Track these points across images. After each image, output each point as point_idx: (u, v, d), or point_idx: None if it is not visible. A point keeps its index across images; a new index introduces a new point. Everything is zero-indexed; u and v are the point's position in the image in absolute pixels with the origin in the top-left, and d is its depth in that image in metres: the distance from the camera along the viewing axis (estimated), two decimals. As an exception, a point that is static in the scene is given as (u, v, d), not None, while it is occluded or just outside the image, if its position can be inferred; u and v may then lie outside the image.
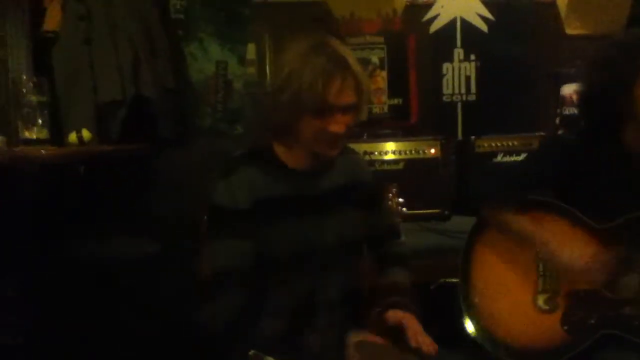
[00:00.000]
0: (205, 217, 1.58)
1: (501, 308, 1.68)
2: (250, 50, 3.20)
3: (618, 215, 1.57)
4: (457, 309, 1.75)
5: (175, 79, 2.76)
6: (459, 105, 3.26)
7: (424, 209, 2.68)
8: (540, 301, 1.65)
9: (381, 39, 3.20)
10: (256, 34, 3.20)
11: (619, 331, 1.52)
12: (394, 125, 3.15)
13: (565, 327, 1.59)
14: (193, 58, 3.09)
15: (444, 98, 3.27)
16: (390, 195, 2.49)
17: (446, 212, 2.70)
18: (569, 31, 3.34)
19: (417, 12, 3.24)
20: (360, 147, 2.67)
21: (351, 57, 1.43)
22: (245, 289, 1.44)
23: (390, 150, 2.71)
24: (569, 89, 3.17)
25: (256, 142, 1.59)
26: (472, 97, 3.27)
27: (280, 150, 1.53)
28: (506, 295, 1.69)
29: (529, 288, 1.66)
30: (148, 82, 2.56)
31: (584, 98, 1.68)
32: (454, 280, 1.84)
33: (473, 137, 2.83)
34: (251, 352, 1.24)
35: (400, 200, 2.50)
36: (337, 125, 1.41)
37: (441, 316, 1.65)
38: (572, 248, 1.59)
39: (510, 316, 1.66)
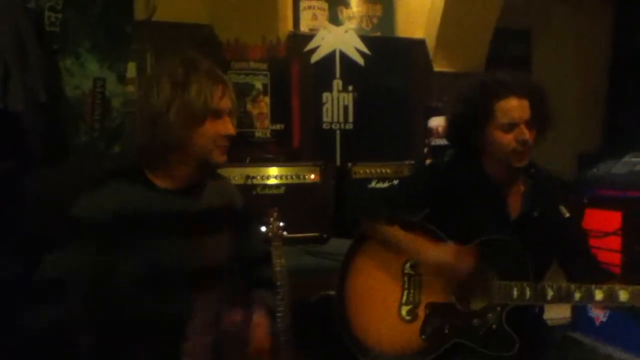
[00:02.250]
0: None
1: (371, 318, 1.81)
2: (131, 69, 3.13)
3: (477, 236, 1.73)
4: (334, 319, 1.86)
5: (49, 95, 2.62)
6: (338, 133, 3.42)
7: (303, 232, 2.76)
8: (404, 312, 1.79)
9: (265, 66, 3.28)
10: (137, 53, 3.13)
11: (467, 340, 1.69)
12: (276, 150, 3.23)
13: (423, 336, 1.74)
14: (69, 73, 2.95)
15: (324, 125, 3.41)
16: (271, 219, 2.57)
17: (324, 235, 2.81)
18: (437, 68, 3.66)
19: (299, 41, 3.38)
20: (243, 172, 2.71)
21: (221, 72, 1.54)
22: (70, 303, 1.40)
23: (272, 174, 2.77)
24: (436, 122, 3.46)
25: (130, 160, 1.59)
26: (350, 126, 3.45)
27: (149, 169, 1.53)
28: (375, 307, 1.82)
29: (395, 300, 1.80)
30: (18, 96, 2.41)
31: (450, 129, 1.86)
32: (332, 292, 1.94)
33: (350, 164, 2.98)
34: None
35: (281, 224, 2.58)
36: (229, 127, 1.51)
37: (321, 326, 1.75)
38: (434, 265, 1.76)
39: (378, 326, 1.80)
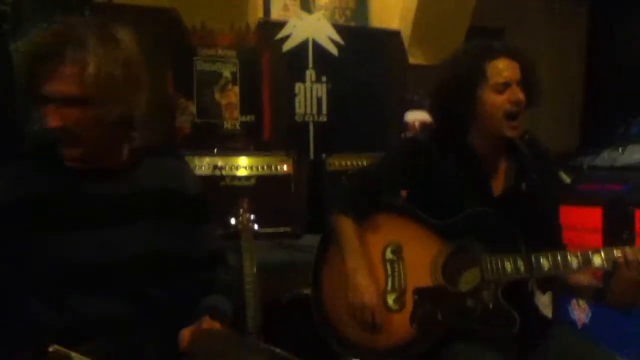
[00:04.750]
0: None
1: (348, 306, 1.65)
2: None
3: (459, 212, 1.63)
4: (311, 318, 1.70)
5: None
6: (311, 125, 3.27)
7: (275, 227, 2.59)
8: (390, 301, 1.64)
9: (234, 53, 3.11)
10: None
11: (464, 323, 1.56)
12: (246, 142, 3.06)
13: (414, 325, 1.60)
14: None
15: (297, 117, 3.26)
16: (241, 210, 2.40)
17: (298, 230, 2.65)
18: (412, 60, 3.55)
19: (270, 29, 3.22)
20: (211, 161, 2.53)
21: (90, 38, 1.19)
22: None
23: (242, 165, 2.61)
24: (412, 116, 3.34)
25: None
26: (324, 118, 3.30)
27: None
28: None
29: (379, 289, 1.65)
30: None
31: (437, 98, 1.73)
32: (305, 291, 1.77)
33: (324, 155, 2.84)
34: (51, 348, 1.02)
35: (251, 216, 2.42)
36: (52, 118, 1.19)
37: (296, 328, 1.56)
38: (417, 247, 1.64)
39: None
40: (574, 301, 3.08)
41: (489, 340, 1.52)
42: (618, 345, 2.68)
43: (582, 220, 2.99)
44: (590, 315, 2.98)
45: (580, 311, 3.04)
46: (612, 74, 4.04)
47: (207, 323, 1.32)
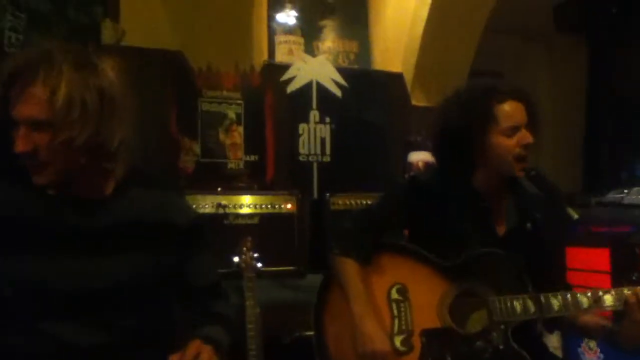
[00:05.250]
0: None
1: (354, 352, 1.58)
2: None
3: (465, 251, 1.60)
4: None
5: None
6: (315, 165, 3.27)
7: (279, 266, 2.56)
8: (397, 343, 1.59)
9: (238, 95, 3.15)
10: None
11: None
12: (250, 181, 3.06)
13: None
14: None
15: (300, 157, 3.26)
16: (244, 249, 2.38)
17: (301, 269, 2.61)
18: (415, 102, 3.58)
19: (275, 71, 3.27)
20: (214, 199, 2.52)
21: (65, 62, 1.16)
22: None
23: (245, 203, 2.59)
24: (416, 157, 3.34)
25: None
26: (327, 158, 3.30)
27: None
28: None
29: (385, 331, 1.59)
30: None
31: (439, 142, 1.72)
32: (308, 333, 1.72)
33: (328, 194, 2.83)
34: None
35: (255, 254, 2.39)
36: (20, 142, 1.15)
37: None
38: (423, 288, 1.60)
39: None
40: (584, 344, 3.01)
41: None
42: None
43: (590, 262, 2.95)
44: (602, 358, 2.90)
45: (591, 354, 2.96)
46: (613, 112, 4.07)
47: (197, 346, 1.25)
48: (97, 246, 1.27)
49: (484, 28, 3.62)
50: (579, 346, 3.01)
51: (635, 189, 3.44)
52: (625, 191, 3.21)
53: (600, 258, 2.95)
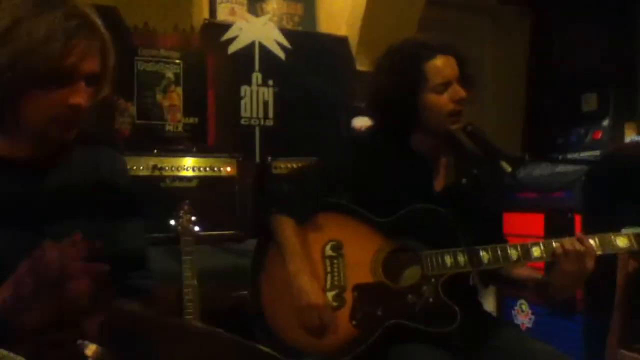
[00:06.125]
0: None
1: (290, 311, 1.59)
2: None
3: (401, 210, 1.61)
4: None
5: None
6: (257, 129, 3.20)
7: (217, 230, 2.50)
8: (330, 298, 1.59)
9: (177, 54, 3.02)
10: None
11: (404, 319, 1.52)
12: (189, 145, 2.96)
13: (354, 322, 1.56)
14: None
15: (242, 121, 3.18)
16: (181, 212, 2.31)
17: (242, 234, 2.56)
18: (360, 67, 3.54)
19: (215, 31, 3.15)
20: (150, 161, 2.43)
21: (98, 21, 1.15)
22: None
23: (183, 165, 2.50)
24: (360, 122, 3.33)
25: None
26: (270, 122, 3.24)
27: None
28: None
29: (319, 286, 1.60)
30: None
31: (375, 102, 1.70)
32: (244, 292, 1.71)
33: (270, 158, 2.78)
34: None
35: (193, 218, 2.32)
36: (79, 97, 1.12)
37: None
38: (357, 244, 1.61)
39: None
40: (517, 306, 3.12)
41: (435, 340, 1.49)
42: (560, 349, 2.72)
43: (524, 227, 3.04)
44: (533, 319, 3.02)
45: (523, 315, 3.07)
46: (551, 83, 4.16)
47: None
48: (44, 213, 1.18)
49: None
50: (513, 309, 3.13)
51: (570, 155, 3.56)
52: (560, 157, 3.32)
53: (534, 223, 3.05)
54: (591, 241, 1.48)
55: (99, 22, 1.15)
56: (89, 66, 1.13)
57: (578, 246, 1.46)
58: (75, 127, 1.18)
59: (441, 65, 1.58)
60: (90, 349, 0.77)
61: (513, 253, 1.51)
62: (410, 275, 1.58)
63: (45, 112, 1.11)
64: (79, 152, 1.27)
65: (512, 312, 3.12)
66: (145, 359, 0.88)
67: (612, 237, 1.50)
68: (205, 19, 3.18)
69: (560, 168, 3.04)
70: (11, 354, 0.77)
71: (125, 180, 1.34)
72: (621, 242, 1.50)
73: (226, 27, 3.17)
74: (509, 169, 1.55)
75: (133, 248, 1.33)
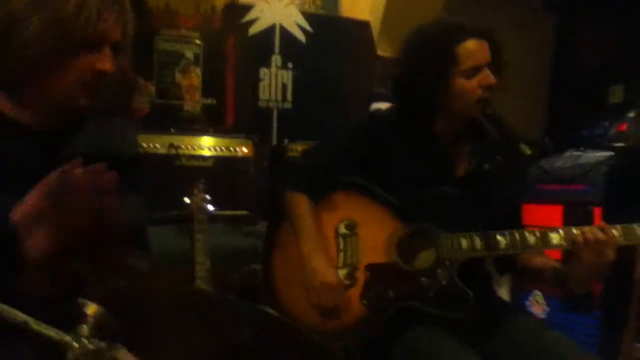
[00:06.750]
0: None
1: (302, 288, 1.57)
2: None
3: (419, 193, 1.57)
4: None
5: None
6: (275, 111, 3.19)
7: (232, 210, 2.51)
8: (341, 276, 1.57)
9: (197, 34, 3.02)
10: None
11: (415, 302, 1.50)
12: (207, 125, 2.97)
13: (364, 301, 1.53)
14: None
15: (260, 103, 3.17)
16: (195, 190, 2.32)
17: (256, 215, 2.57)
18: (381, 52, 3.51)
19: (237, 12, 3.14)
20: (166, 139, 2.44)
21: None
22: None
23: (199, 145, 2.51)
24: (378, 107, 3.29)
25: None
26: (288, 105, 3.22)
27: (4, 101, 1.17)
28: None
29: (332, 265, 1.58)
30: None
31: (401, 83, 1.66)
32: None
33: (286, 140, 2.77)
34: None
35: (207, 197, 2.33)
36: (107, 63, 1.14)
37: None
38: (372, 224, 1.58)
39: None
40: (531, 297, 3.08)
41: (448, 324, 1.46)
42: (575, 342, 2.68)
43: (543, 219, 3.00)
44: (547, 311, 2.98)
45: (537, 307, 3.03)
46: (577, 77, 4.09)
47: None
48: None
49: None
50: (527, 299, 3.09)
51: (593, 148, 3.48)
52: (582, 149, 3.25)
53: (553, 215, 3.00)
54: (614, 231, 1.42)
55: None
56: (115, 34, 1.16)
57: (600, 235, 1.40)
58: (96, 95, 1.19)
59: (473, 49, 1.52)
60: (91, 308, 0.76)
61: (531, 239, 1.46)
62: (425, 257, 1.54)
63: (74, 78, 1.13)
64: (93, 122, 1.27)
65: (526, 302, 3.08)
66: (149, 323, 0.88)
67: (636, 227, 1.44)
68: (227, 0, 3.17)
69: (582, 159, 2.98)
70: (15, 311, 0.77)
71: (132, 152, 1.34)
72: None
73: (247, 8, 3.15)
74: (529, 152, 1.51)
75: (132, 224, 1.28)
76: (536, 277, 1.64)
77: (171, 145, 2.41)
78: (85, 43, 1.11)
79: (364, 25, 3.49)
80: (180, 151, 2.45)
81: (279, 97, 3.21)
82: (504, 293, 3.17)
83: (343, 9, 3.66)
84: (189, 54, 2.99)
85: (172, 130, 2.56)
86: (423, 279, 1.50)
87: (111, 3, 1.14)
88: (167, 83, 2.94)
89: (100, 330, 0.74)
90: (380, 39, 3.53)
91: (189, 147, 2.49)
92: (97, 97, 1.20)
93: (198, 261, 2.08)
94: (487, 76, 1.52)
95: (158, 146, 2.42)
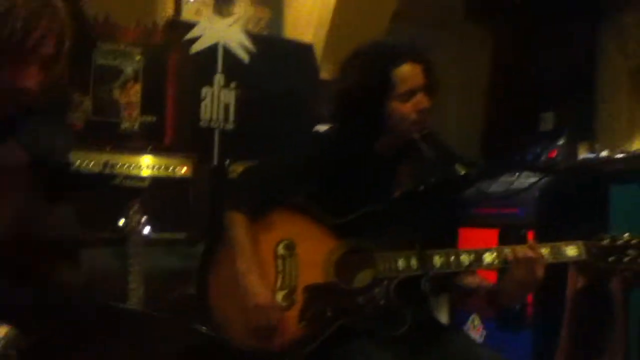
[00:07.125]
0: None
1: (240, 311, 1.54)
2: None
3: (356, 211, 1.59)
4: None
5: None
6: (217, 132, 3.14)
7: (170, 232, 2.44)
8: (279, 298, 1.56)
9: (138, 50, 2.95)
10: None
11: (353, 321, 1.50)
12: (145, 144, 2.88)
13: (303, 323, 1.53)
14: None
15: (202, 123, 3.11)
16: (131, 212, 2.24)
17: (195, 236, 2.50)
18: (323, 75, 3.53)
19: (179, 29, 3.09)
20: (100, 158, 2.35)
21: (60, 3, 1.15)
22: None
23: (136, 164, 2.43)
24: (323, 129, 3.30)
25: None
26: (230, 126, 3.17)
27: None
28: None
29: (268, 287, 1.57)
30: None
31: (340, 105, 1.67)
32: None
33: (228, 160, 2.72)
34: None
35: (143, 219, 2.26)
36: (29, 79, 1.10)
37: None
38: (311, 244, 1.58)
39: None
40: (469, 321, 3.14)
41: (384, 342, 1.48)
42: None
43: (478, 242, 3.07)
44: (484, 334, 3.04)
45: (474, 331, 3.09)
46: (511, 102, 4.24)
47: None
48: None
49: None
50: (464, 324, 3.14)
51: (526, 173, 3.61)
52: (516, 174, 3.37)
53: (489, 238, 3.08)
54: (543, 249, 1.49)
55: (60, 4, 1.13)
56: (45, 48, 1.10)
57: (529, 253, 1.46)
58: (21, 108, 1.15)
59: (409, 73, 1.57)
60: (1, 330, 0.71)
61: (465, 258, 1.50)
62: (363, 276, 1.56)
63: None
64: (25, 128, 1.22)
65: (464, 327, 3.14)
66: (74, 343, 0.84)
67: (563, 246, 1.51)
68: (169, 16, 3.12)
69: (516, 184, 3.08)
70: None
71: (62, 159, 1.31)
72: (571, 251, 1.51)
73: (190, 26, 3.11)
74: (462, 172, 1.55)
75: (61, 234, 1.26)
76: (470, 296, 1.68)
77: (106, 164, 2.32)
78: (10, 58, 1.06)
79: (307, 47, 3.51)
80: (115, 170, 2.37)
81: (222, 117, 3.16)
82: (443, 316, 3.22)
83: (287, 31, 3.68)
84: (129, 70, 2.91)
85: (108, 148, 2.47)
86: (361, 297, 1.52)
87: (41, 15, 1.08)
88: (104, 99, 2.84)
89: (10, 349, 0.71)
90: (324, 62, 3.56)
91: (125, 166, 2.40)
92: (26, 112, 1.15)
93: (131, 287, 2.00)
94: (421, 100, 1.57)
95: (92, 164, 2.33)
